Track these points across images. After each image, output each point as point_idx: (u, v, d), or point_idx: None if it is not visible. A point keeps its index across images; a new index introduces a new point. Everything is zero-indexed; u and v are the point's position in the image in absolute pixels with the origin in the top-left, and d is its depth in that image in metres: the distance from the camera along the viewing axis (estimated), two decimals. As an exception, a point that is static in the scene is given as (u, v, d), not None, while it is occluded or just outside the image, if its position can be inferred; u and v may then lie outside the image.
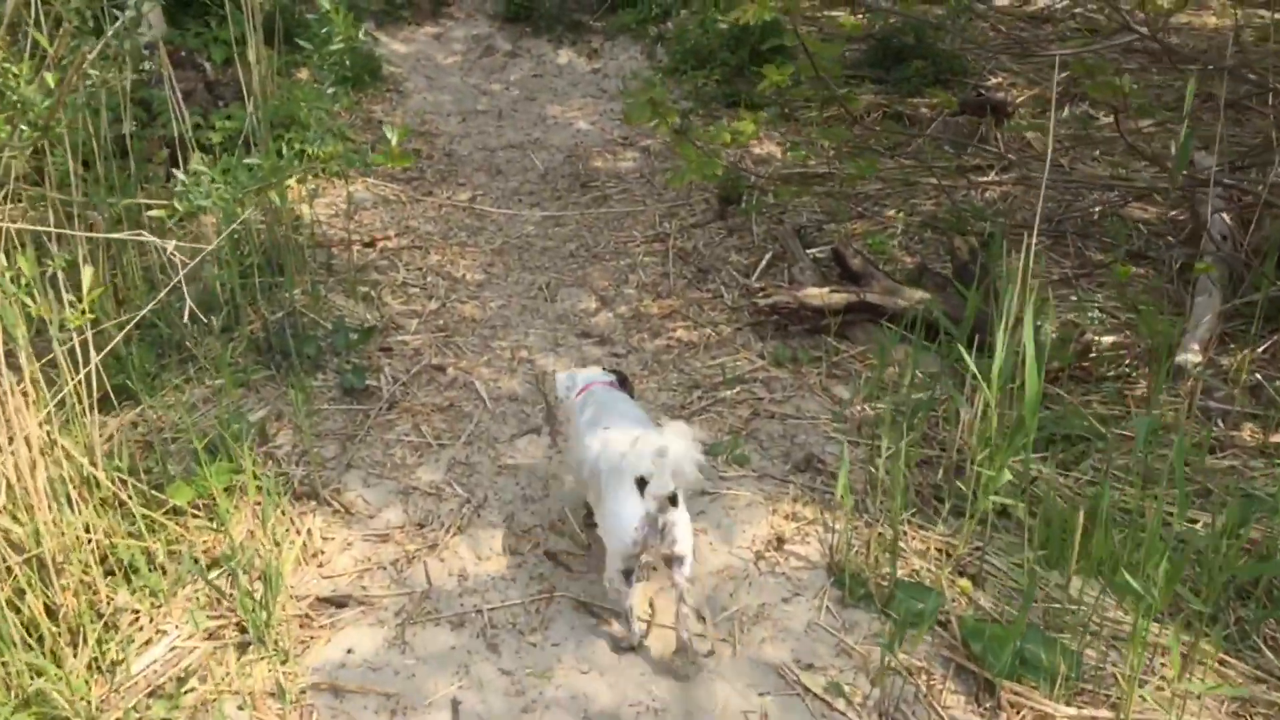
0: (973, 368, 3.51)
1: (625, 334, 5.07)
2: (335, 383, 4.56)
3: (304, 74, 7.59)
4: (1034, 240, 3.72)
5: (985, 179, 6.60)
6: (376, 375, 4.66)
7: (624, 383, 3.80)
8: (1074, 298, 5.16)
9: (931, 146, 6.94)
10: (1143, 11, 6.67)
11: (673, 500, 2.97)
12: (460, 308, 5.31)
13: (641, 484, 2.96)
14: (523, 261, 5.82)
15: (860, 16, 7.52)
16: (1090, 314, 4.83)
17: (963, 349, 3.60)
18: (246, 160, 3.49)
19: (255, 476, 3.79)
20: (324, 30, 7.73)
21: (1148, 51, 7.16)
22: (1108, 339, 4.84)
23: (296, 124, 6.48)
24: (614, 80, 8.14)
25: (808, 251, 5.65)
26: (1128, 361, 4.82)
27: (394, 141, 3.24)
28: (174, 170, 3.75)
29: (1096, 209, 6.10)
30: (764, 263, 5.62)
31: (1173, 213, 6.06)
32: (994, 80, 7.88)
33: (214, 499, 3.60)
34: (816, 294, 4.92)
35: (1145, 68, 7.86)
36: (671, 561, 3.07)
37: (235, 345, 4.67)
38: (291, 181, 6.44)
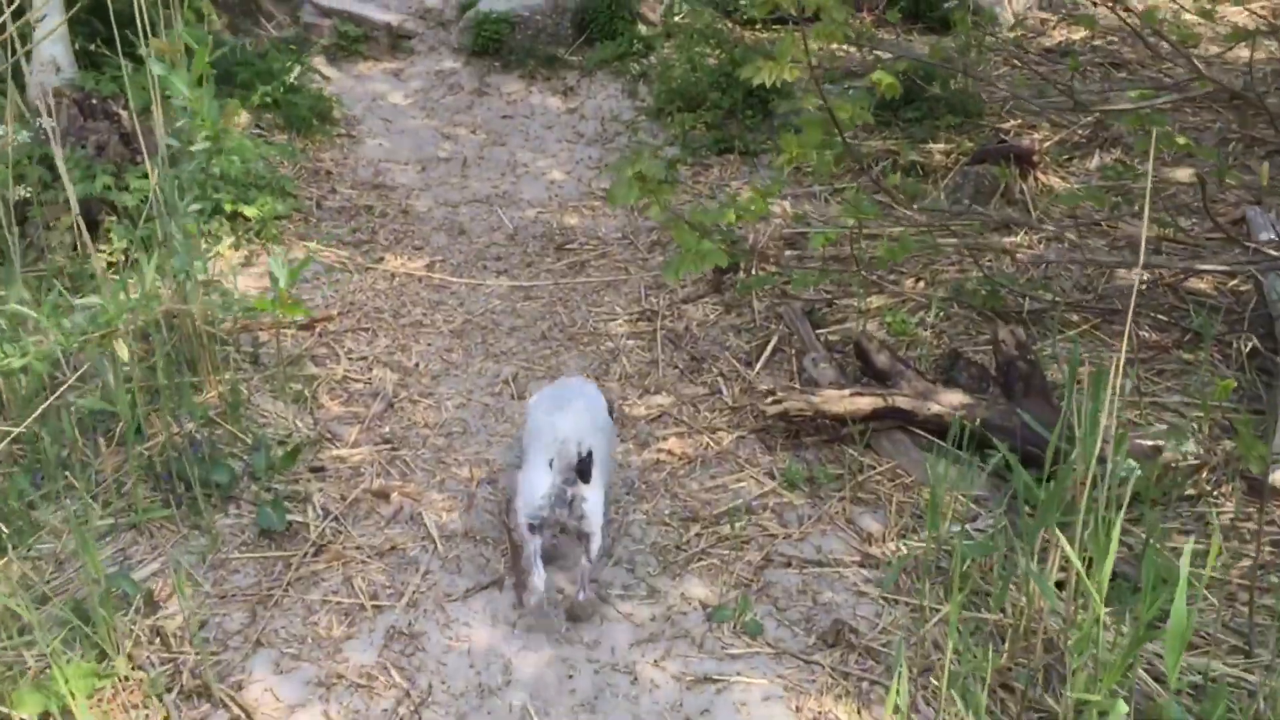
0: (1078, 567, 2.69)
1: (607, 443, 4.24)
2: (251, 520, 3.71)
3: (243, 118, 6.76)
4: (1123, 355, 2.93)
5: (1012, 239, 5.83)
6: (303, 506, 3.81)
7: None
8: (1135, 391, 4.38)
9: (950, 202, 6.17)
10: (1171, 44, 5.93)
11: (583, 476, 3.20)
12: (411, 409, 4.47)
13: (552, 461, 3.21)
14: (487, 345, 4.99)
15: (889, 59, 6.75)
16: (1181, 436, 4.02)
17: (1062, 537, 2.78)
18: (82, 300, 2.62)
19: (131, 668, 2.94)
20: (271, 67, 6.92)
21: (1186, 98, 6.42)
22: (1186, 448, 4.05)
23: (227, 180, 5.64)
24: (592, 122, 7.34)
25: (818, 333, 4.85)
26: (1205, 476, 4.04)
27: (282, 283, 2.39)
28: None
29: (1144, 280, 5.32)
30: (768, 349, 4.81)
31: (1232, 283, 5.29)
32: (1012, 123, 7.11)
33: (71, 705, 2.75)
34: (836, 397, 4.11)
35: (1179, 107, 7.11)
36: (580, 538, 3.31)
37: (133, 465, 3.81)
38: (222, 248, 5.63)
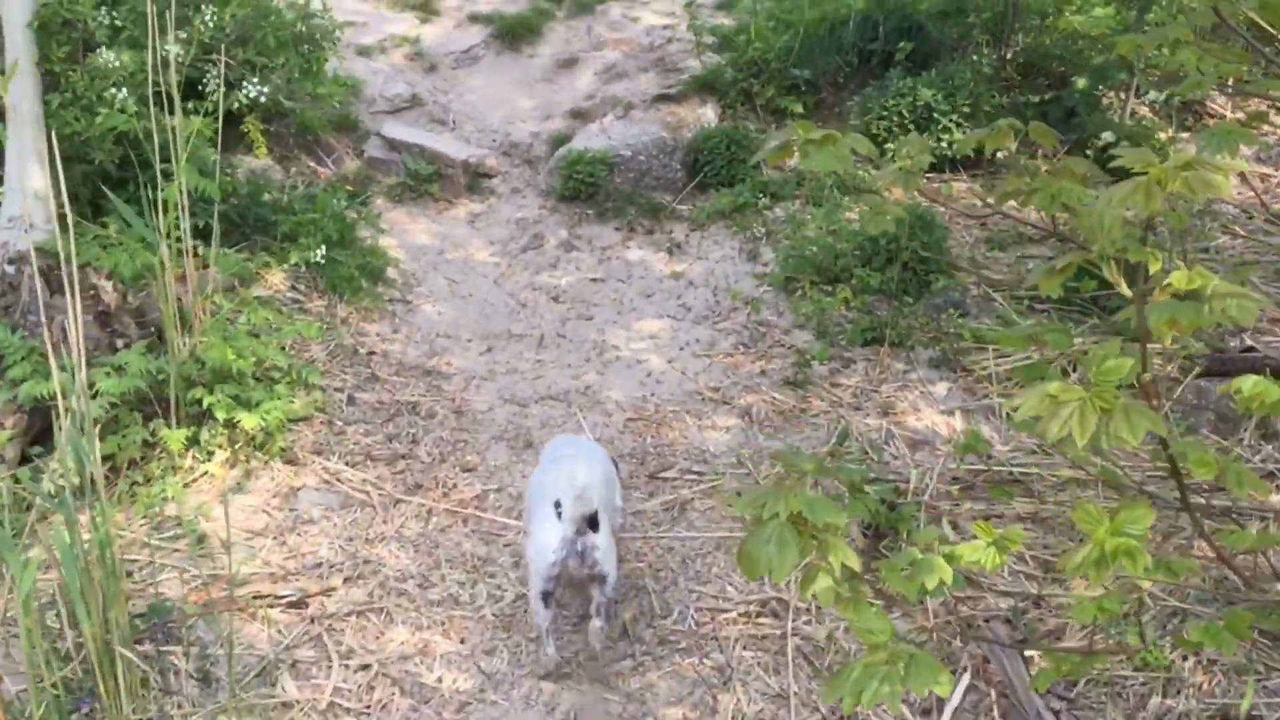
0: None
1: None
2: None
3: (278, 278, 5.52)
4: None
5: (1280, 495, 4.19)
6: None
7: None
8: None
9: (1182, 430, 4.56)
10: None
11: (592, 524, 3.20)
12: (420, 773, 3.00)
13: (559, 508, 3.22)
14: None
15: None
16: None
17: None
18: None
19: None
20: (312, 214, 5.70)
21: None
22: None
23: (230, 378, 4.34)
24: (701, 291, 5.93)
25: (1026, 653, 3.27)
26: None
27: None
28: None
29: None
30: (959, 688, 3.24)
31: None
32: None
33: None
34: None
35: None
36: (593, 580, 3.27)
37: None
38: (213, 466, 4.30)
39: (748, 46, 7.25)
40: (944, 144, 6.64)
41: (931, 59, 7.27)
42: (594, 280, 6.14)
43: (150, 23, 4.40)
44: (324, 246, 5.58)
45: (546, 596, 3.26)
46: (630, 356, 5.40)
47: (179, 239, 4.51)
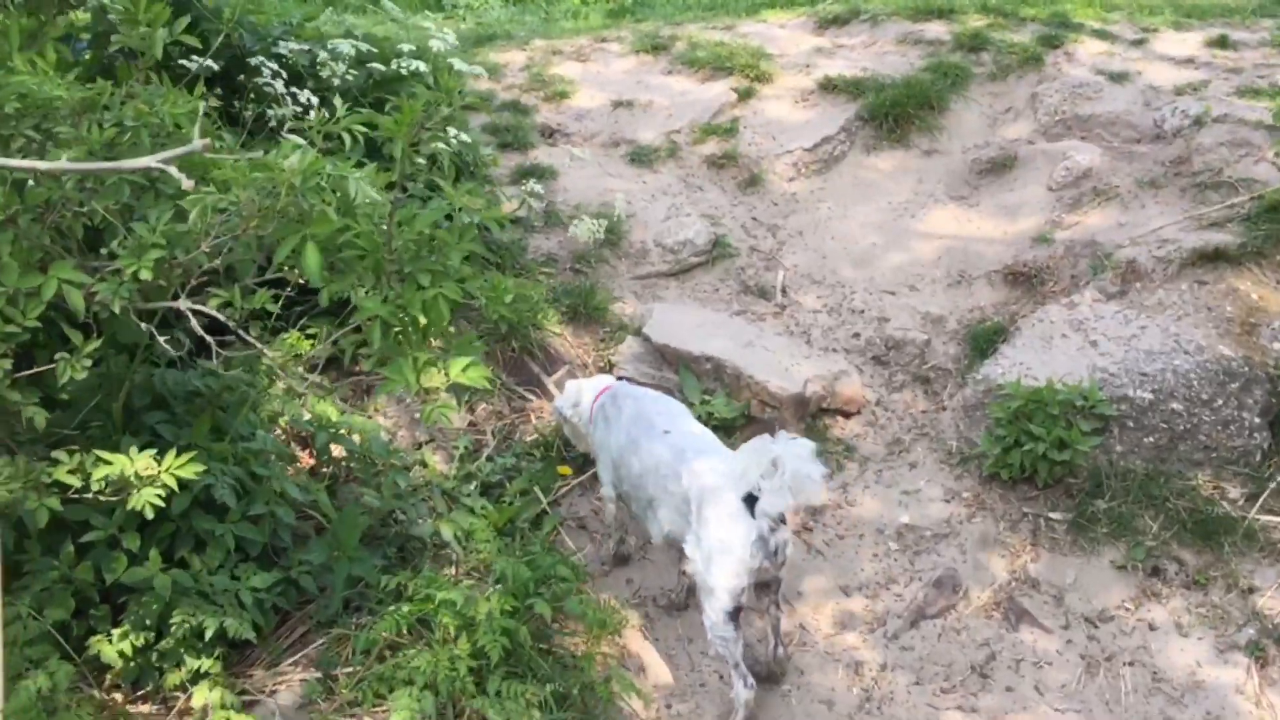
0: None
1: None
2: None
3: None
4: None
5: None
6: None
7: None
8: None
9: None
10: None
11: (781, 517, 2.60)
12: None
13: (749, 501, 2.53)
14: None
15: None
16: None
17: None
18: None
19: None
20: None
21: None
22: None
23: None
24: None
25: None
26: None
27: None
28: None
29: None
30: None
31: None
32: None
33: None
34: None
35: None
36: (769, 585, 2.67)
37: None
38: None
39: None
40: None
41: None
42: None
43: None
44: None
45: (735, 615, 2.57)
46: None
47: None
